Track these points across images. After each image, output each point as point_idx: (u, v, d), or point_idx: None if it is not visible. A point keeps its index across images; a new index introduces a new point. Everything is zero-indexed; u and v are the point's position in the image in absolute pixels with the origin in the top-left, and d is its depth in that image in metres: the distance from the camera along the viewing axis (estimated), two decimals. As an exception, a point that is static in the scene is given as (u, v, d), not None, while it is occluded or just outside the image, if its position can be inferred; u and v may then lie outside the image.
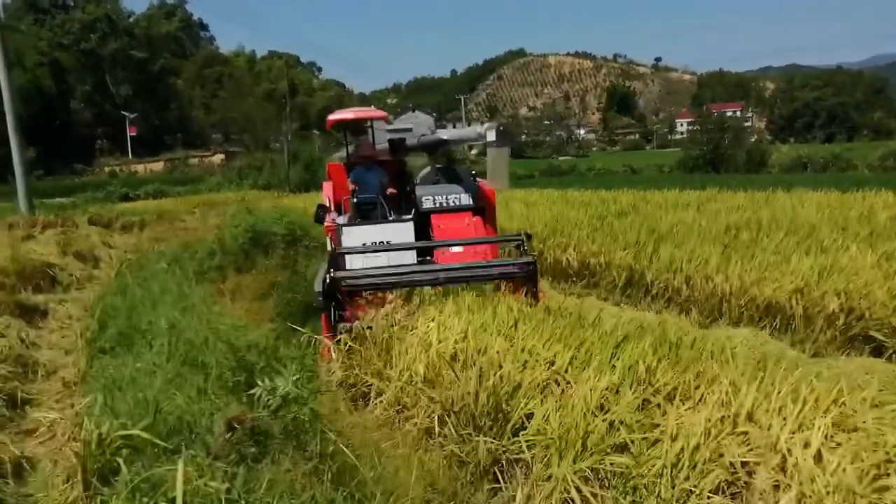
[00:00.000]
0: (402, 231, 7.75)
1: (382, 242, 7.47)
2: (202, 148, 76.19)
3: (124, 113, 68.77)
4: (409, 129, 9.56)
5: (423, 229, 7.95)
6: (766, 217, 10.80)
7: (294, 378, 3.08)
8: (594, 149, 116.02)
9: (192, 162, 67.68)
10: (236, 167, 51.43)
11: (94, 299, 8.17)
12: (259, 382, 3.15)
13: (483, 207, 8.17)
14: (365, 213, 8.33)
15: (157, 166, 64.84)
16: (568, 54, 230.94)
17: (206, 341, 4.15)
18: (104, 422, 2.74)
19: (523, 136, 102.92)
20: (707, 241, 9.16)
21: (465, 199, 8.02)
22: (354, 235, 7.62)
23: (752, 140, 53.73)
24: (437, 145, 9.06)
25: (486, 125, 7.51)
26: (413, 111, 10.90)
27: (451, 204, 7.98)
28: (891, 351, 5.90)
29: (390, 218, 8.18)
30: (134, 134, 69.66)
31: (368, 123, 9.53)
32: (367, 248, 7.40)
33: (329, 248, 7.55)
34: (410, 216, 8.06)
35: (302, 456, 2.73)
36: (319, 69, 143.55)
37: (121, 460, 2.50)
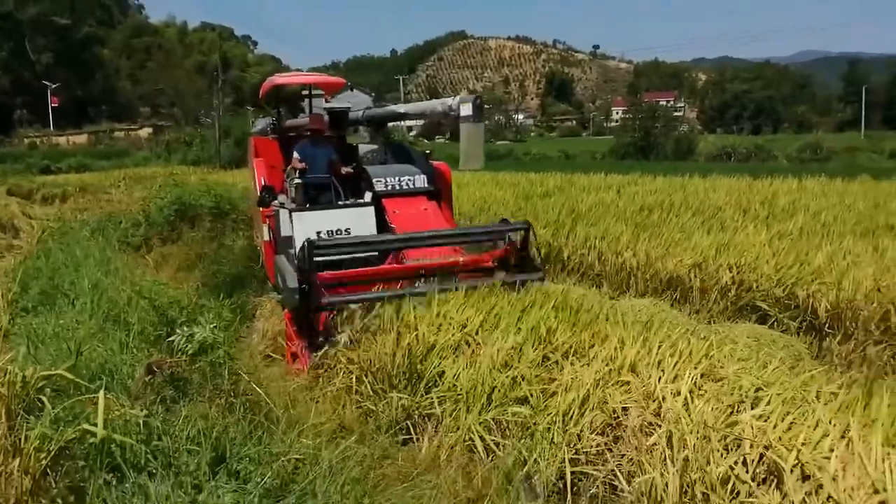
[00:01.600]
0: (363, 217, 6.88)
1: (340, 231, 6.65)
2: (129, 121, 73.25)
3: (45, 83, 65.52)
4: (348, 108, 8.86)
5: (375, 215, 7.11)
6: (678, 200, 11.50)
7: (211, 326, 3.29)
8: (532, 134, 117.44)
9: (118, 135, 65.12)
10: (164, 141, 49.89)
11: (15, 264, 8.07)
12: (179, 330, 3.36)
13: (439, 190, 7.49)
14: (313, 197, 7.41)
15: (81, 139, 62.21)
16: (509, 38, 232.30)
17: (129, 301, 4.28)
18: (27, 367, 2.91)
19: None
20: (621, 220, 9.74)
21: (420, 182, 7.29)
22: (307, 223, 6.65)
23: (683, 129, 55.60)
24: (388, 119, 8.30)
25: (458, 97, 6.81)
26: (351, 90, 9.88)
27: (405, 187, 7.23)
28: (773, 319, 6.51)
29: (348, 202, 7.27)
30: (56, 105, 66.43)
31: (307, 93, 8.78)
32: (333, 238, 6.48)
33: (266, 236, 7.05)
34: (369, 200, 7.16)
35: (217, 395, 2.96)
36: (255, 43, 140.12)
37: (44, 398, 2.69)
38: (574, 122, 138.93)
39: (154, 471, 2.32)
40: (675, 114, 65.12)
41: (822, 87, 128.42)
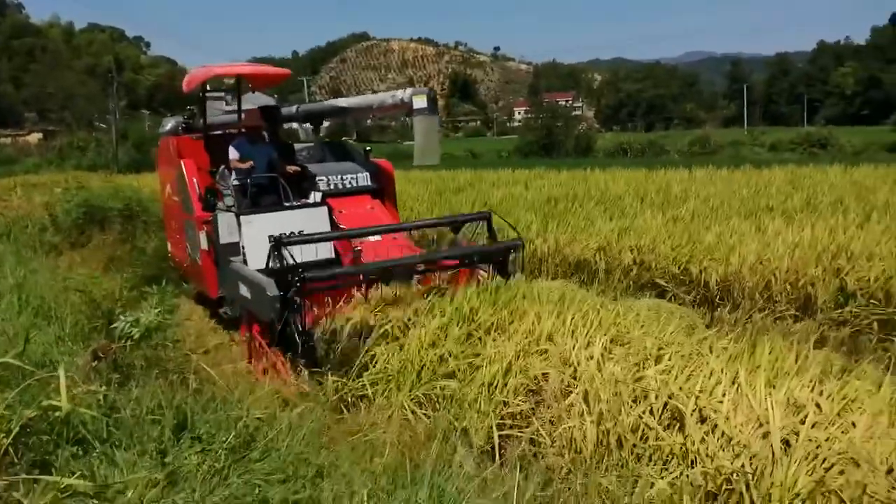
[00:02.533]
0: (316, 218, 6.41)
1: (293, 233, 5.93)
2: (14, 126, 68.84)
3: (-84, 86, 60.56)
4: (276, 104, 8.29)
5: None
6: (581, 191, 12.20)
7: (156, 311, 3.39)
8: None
9: (3, 141, 61.08)
10: (56, 147, 47.20)
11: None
12: (122, 317, 3.43)
13: (382, 188, 7.20)
14: (253, 199, 6.71)
15: (-41, 146, 57.92)
16: (412, 40, 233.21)
17: (58, 296, 4.25)
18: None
19: (368, 121, 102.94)
20: (531, 211, 10.26)
21: (363, 180, 7.00)
22: (256, 226, 6.10)
23: (583, 128, 57.95)
24: (327, 115, 7.94)
25: (410, 90, 6.55)
26: (252, 91, 9.15)
27: (348, 185, 6.90)
28: (671, 294, 7.12)
29: (296, 203, 6.73)
30: (-71, 110, 61.56)
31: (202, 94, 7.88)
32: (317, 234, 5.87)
33: (203, 244, 6.48)
34: (318, 200, 6.76)
35: (167, 373, 3.08)
36: (148, 45, 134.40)
37: (-7, 385, 2.74)
38: (478, 122, 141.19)
39: (119, 441, 2.46)
40: (575, 113, 67.56)
41: (708, 85, 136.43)
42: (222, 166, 6.95)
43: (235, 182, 6.68)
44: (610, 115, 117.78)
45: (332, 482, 2.19)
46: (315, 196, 6.78)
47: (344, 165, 7.21)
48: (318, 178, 6.86)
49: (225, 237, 6.31)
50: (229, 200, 6.74)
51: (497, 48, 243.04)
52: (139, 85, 79.35)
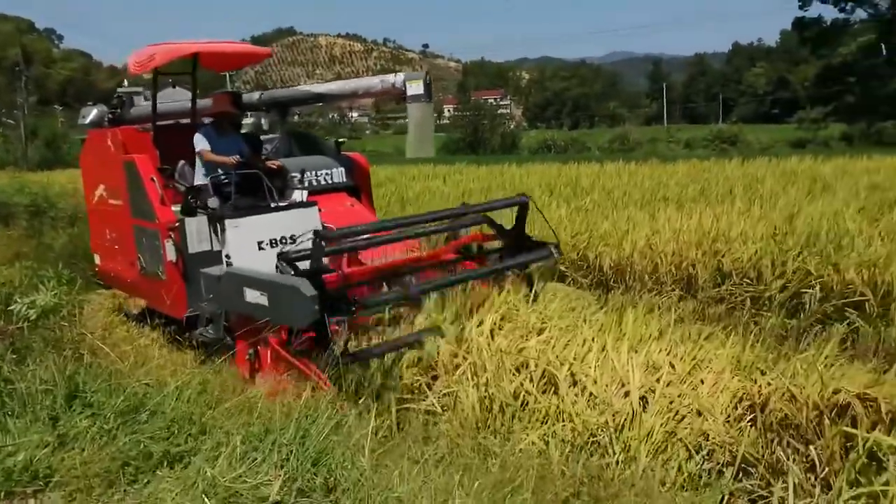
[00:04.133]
0: (308, 220, 5.48)
1: (285, 239, 5.26)
2: None
3: None
4: (239, 91, 7.61)
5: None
6: (496, 185, 12.66)
7: (52, 293, 3.49)
8: (367, 132, 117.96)
9: None
10: (-44, 144, 44.74)
11: None
12: (17, 300, 3.52)
13: (357, 185, 6.60)
14: (226, 198, 5.71)
15: None
16: (339, 35, 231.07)
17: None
18: None
19: (295, 117, 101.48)
20: (446, 203, 10.59)
21: (339, 176, 6.37)
22: (244, 232, 5.21)
23: (511, 126, 59.10)
24: (297, 102, 7.16)
25: (403, 75, 6.00)
26: (173, 86, 8.32)
27: (323, 182, 6.25)
28: (570, 278, 7.57)
29: (281, 203, 5.74)
30: None
31: (118, 95, 7.58)
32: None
33: (171, 256, 5.48)
34: (305, 199, 5.91)
35: (59, 352, 3.20)
36: (60, 37, 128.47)
37: None
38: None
39: (12, 411, 2.60)
40: (502, 111, 68.65)
41: (630, 84, 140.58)
42: (181, 162, 6.04)
43: (204, 180, 5.79)
44: (537, 114, 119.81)
45: (212, 436, 2.42)
46: (301, 195, 5.92)
47: (316, 160, 6.50)
48: (290, 174, 6.10)
49: (194, 245, 5.45)
50: (214, 202, 5.71)
51: (426, 45, 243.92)
52: (50, 79, 75.79)
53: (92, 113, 8.02)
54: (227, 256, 5.16)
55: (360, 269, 5.28)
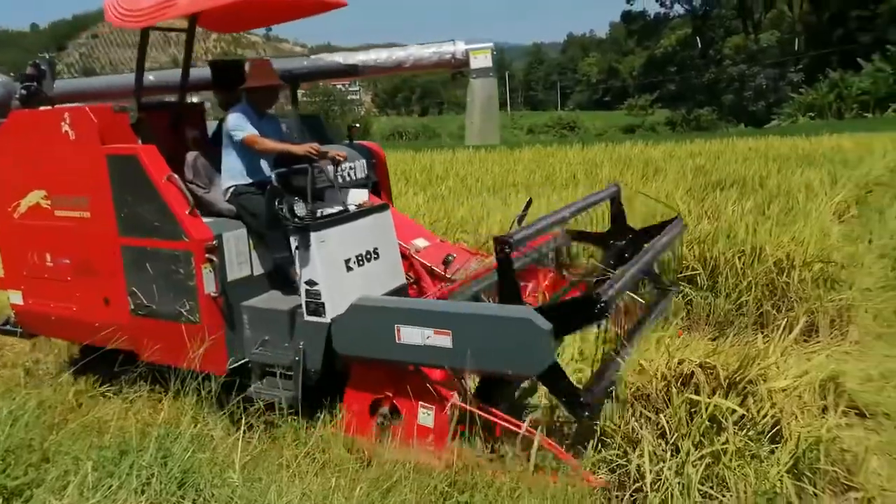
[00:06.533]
0: (385, 229, 4.42)
1: (369, 253, 4.17)
2: None
3: None
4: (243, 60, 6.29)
5: None
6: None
7: None
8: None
9: None
10: None
11: None
12: None
13: (377, 180, 5.56)
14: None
15: None
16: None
17: None
18: None
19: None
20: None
21: (361, 170, 5.29)
22: (333, 247, 3.92)
23: (361, 112, 58.63)
24: (320, 76, 5.91)
25: (463, 43, 4.63)
26: None
27: (347, 178, 5.11)
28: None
29: (349, 207, 4.39)
30: None
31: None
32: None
33: (208, 288, 3.96)
34: (383, 203, 4.73)
35: None
36: None
37: None
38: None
39: None
40: (351, 97, 68.00)
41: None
42: (192, 154, 4.56)
43: (254, 178, 4.38)
44: (386, 100, 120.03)
45: (57, 464, 2.18)
46: (360, 195, 4.52)
47: (337, 150, 5.34)
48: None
49: (234, 270, 4.16)
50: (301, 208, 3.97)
51: (269, 29, 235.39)
52: None
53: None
54: (311, 283, 3.82)
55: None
